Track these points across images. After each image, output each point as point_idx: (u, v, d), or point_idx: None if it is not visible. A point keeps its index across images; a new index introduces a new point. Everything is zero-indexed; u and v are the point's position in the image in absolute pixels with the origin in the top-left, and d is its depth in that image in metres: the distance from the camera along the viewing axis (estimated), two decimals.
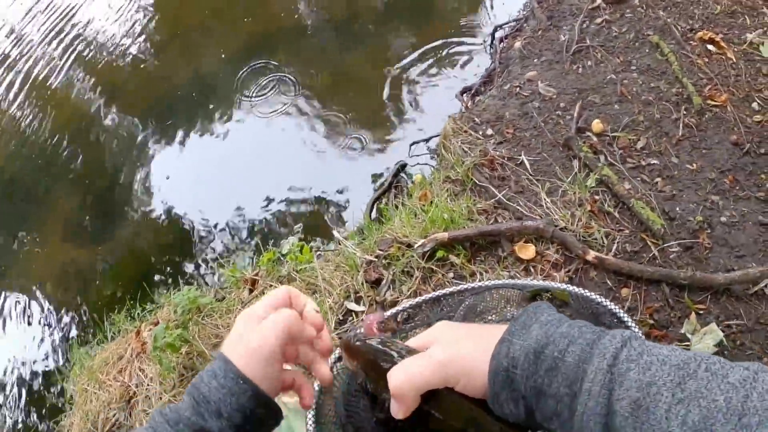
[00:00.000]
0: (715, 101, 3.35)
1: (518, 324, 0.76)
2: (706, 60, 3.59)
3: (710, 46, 3.67)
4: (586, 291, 1.66)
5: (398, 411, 0.79)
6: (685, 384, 0.61)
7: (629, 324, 1.54)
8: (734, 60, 3.57)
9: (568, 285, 1.69)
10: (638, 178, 3.05)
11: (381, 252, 2.87)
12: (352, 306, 2.73)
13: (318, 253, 3.39)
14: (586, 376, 0.67)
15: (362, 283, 2.78)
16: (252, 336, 0.85)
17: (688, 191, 2.98)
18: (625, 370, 0.65)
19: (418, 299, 1.59)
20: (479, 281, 2.44)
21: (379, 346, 0.85)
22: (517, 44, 4.17)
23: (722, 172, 3.06)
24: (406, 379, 0.77)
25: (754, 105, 3.33)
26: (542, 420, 0.72)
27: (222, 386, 0.81)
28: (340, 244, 3.20)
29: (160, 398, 2.85)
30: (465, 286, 1.81)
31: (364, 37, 5.21)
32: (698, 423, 0.58)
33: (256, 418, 0.82)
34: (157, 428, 0.80)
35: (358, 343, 0.87)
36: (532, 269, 2.69)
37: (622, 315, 1.58)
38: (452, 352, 0.79)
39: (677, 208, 2.89)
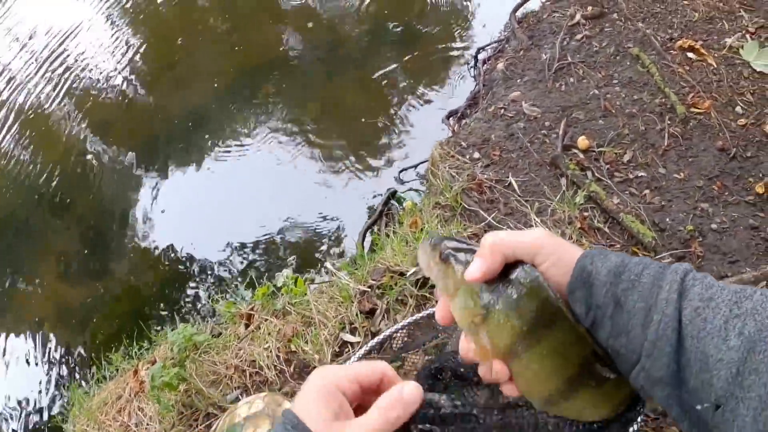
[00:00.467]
0: (699, 108, 3.37)
1: (595, 251, 0.79)
2: (687, 68, 3.61)
3: (690, 54, 3.70)
4: None
5: (477, 268, 0.78)
6: (742, 303, 0.67)
7: None
8: (715, 66, 3.60)
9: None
10: (626, 192, 3.06)
11: (374, 282, 2.87)
12: (348, 337, 2.72)
13: (313, 284, 3.39)
14: (661, 290, 0.71)
15: (357, 314, 2.77)
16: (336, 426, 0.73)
17: (677, 201, 2.99)
18: (690, 286, 0.71)
19: (409, 319, 1.58)
20: None
21: (460, 243, 0.85)
22: (500, 65, 4.20)
23: (710, 178, 3.08)
24: (499, 238, 0.79)
25: (738, 109, 3.36)
26: (607, 336, 0.75)
27: None
28: (333, 275, 3.20)
29: None
30: None
31: (351, 65, 5.25)
32: (754, 334, 0.63)
33: None
34: None
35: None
36: None
37: None
38: (550, 236, 0.81)
39: (667, 219, 2.90)
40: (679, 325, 0.69)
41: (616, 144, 3.30)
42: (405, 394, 0.76)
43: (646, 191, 3.06)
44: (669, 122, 3.34)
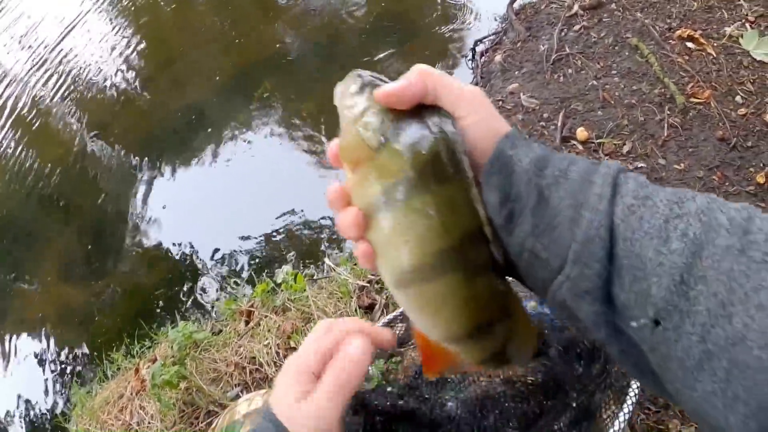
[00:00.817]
0: (699, 98, 3.35)
1: (519, 134, 0.66)
2: (687, 58, 3.59)
3: (689, 44, 3.68)
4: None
5: (393, 85, 0.66)
6: (684, 203, 0.56)
7: None
8: (714, 55, 3.58)
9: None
10: None
11: (373, 277, 2.86)
12: None
13: (313, 280, 3.38)
14: (593, 185, 0.59)
15: (356, 309, 2.77)
16: (309, 408, 0.74)
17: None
18: (625, 181, 0.60)
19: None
20: None
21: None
22: (498, 57, 4.18)
23: (710, 169, 3.06)
24: (431, 70, 0.67)
25: (738, 98, 3.34)
26: (526, 235, 0.61)
27: None
28: (332, 271, 3.20)
29: None
30: None
31: (349, 60, 5.23)
32: (700, 236, 0.53)
33: None
34: None
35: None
36: None
37: None
38: (483, 96, 0.69)
39: None
40: (611, 228, 0.57)
41: (616, 135, 3.29)
42: (350, 353, 0.75)
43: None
44: (668, 112, 3.32)
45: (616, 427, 1.33)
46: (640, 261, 0.55)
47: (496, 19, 4.86)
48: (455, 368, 0.73)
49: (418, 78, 0.66)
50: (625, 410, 1.34)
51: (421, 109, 0.66)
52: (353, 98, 0.70)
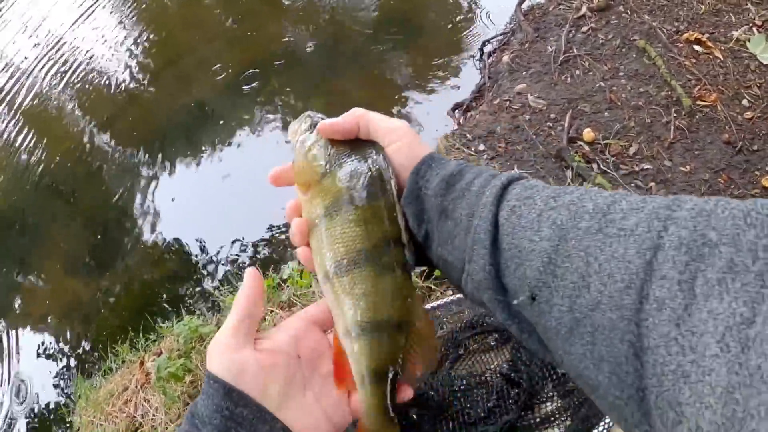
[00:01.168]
0: (705, 101, 3.36)
1: (438, 157, 0.81)
2: (694, 61, 3.60)
3: (697, 47, 3.68)
4: None
5: (331, 120, 0.85)
6: (559, 197, 0.66)
7: None
8: (722, 58, 3.59)
9: None
10: (632, 184, 3.06)
11: None
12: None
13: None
14: (483, 196, 0.72)
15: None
16: (217, 346, 0.80)
17: (683, 194, 2.96)
18: (512, 189, 0.72)
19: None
20: None
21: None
22: (506, 58, 4.18)
23: (716, 172, 3.07)
24: (364, 111, 0.85)
25: (744, 102, 3.35)
26: (436, 246, 0.77)
27: (203, 392, 0.76)
28: None
29: (166, 428, 2.85)
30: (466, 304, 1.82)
31: (356, 58, 5.23)
32: (566, 222, 0.63)
33: (243, 420, 0.74)
34: None
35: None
36: None
37: None
38: (409, 128, 0.85)
39: None
40: (495, 227, 0.69)
41: (622, 136, 3.30)
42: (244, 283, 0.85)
43: (652, 184, 3.06)
44: (675, 115, 3.33)
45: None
46: (518, 250, 0.66)
47: (503, 20, 4.86)
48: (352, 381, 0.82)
49: (351, 117, 0.84)
50: None
51: (359, 143, 0.84)
52: (304, 134, 0.90)
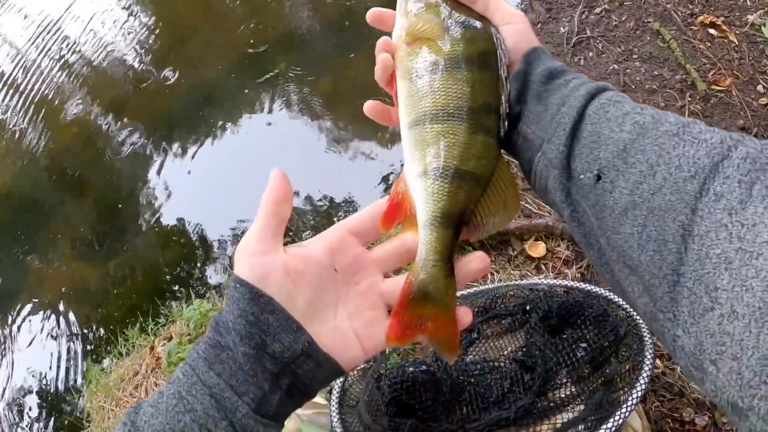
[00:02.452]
0: (720, 86, 3.32)
1: (547, 52, 0.88)
2: (709, 44, 3.56)
3: (712, 30, 3.63)
4: (599, 287, 1.65)
5: None
6: (646, 108, 0.73)
7: (639, 321, 1.53)
8: (737, 43, 3.54)
9: (580, 282, 1.68)
10: None
11: None
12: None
13: None
14: (577, 91, 0.78)
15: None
16: (245, 244, 0.79)
17: None
18: (606, 92, 0.78)
19: None
20: (490, 282, 2.43)
21: None
22: None
23: None
24: None
25: (759, 88, 3.30)
26: (524, 124, 0.83)
27: (229, 298, 0.74)
28: None
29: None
30: (478, 289, 1.81)
31: (362, 40, 5.20)
32: (648, 123, 0.70)
33: (268, 327, 0.71)
34: (188, 357, 0.74)
35: None
36: (543, 267, 2.66)
37: (633, 313, 1.57)
38: (525, 21, 0.90)
39: None
40: (580, 117, 0.76)
41: None
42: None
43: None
44: (689, 99, 3.29)
45: (631, 401, 1.35)
46: (598, 137, 0.73)
47: (515, 0, 4.81)
48: (410, 224, 0.81)
49: None
50: (640, 383, 1.36)
51: (477, 15, 0.88)
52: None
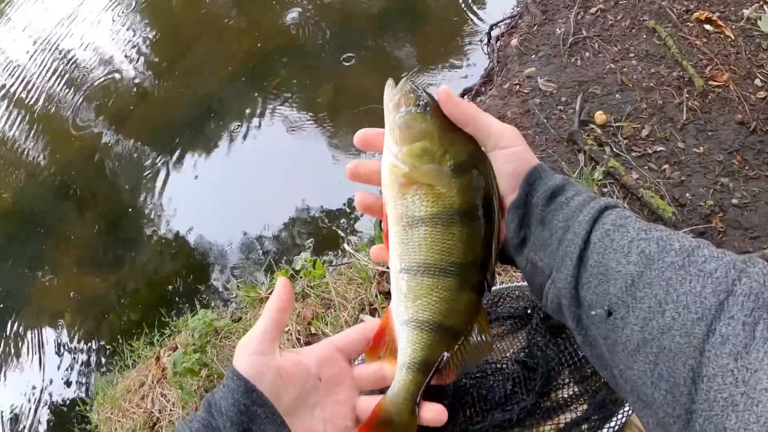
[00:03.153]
0: (717, 81, 3.32)
1: (547, 168, 0.87)
2: (705, 40, 3.56)
3: (707, 26, 3.64)
4: None
5: (449, 97, 0.85)
6: (650, 231, 0.73)
7: None
8: (733, 38, 3.54)
9: None
10: (645, 167, 3.03)
11: None
12: (367, 318, 2.72)
13: (331, 267, 3.39)
14: (581, 214, 0.79)
15: (376, 295, 2.77)
16: (248, 343, 0.86)
17: (697, 175, 2.96)
18: (608, 214, 0.78)
19: None
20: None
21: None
22: (514, 41, 4.15)
23: (730, 153, 3.04)
24: (477, 110, 0.87)
25: (757, 81, 3.31)
26: (529, 251, 0.83)
27: (224, 385, 0.83)
28: (351, 257, 3.20)
29: None
30: None
31: (362, 48, 5.21)
32: (654, 253, 0.70)
33: (255, 417, 0.81)
34: (178, 429, 0.82)
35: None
36: None
37: None
38: (518, 135, 0.89)
39: (687, 194, 2.87)
40: (585, 244, 0.76)
41: (634, 118, 3.26)
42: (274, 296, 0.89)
43: (666, 166, 3.03)
44: (687, 95, 3.29)
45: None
46: (605, 269, 0.73)
47: (511, 3, 4.82)
48: (391, 358, 0.88)
49: (468, 106, 0.87)
50: None
51: (473, 144, 0.86)
52: (411, 111, 0.86)
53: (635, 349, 0.68)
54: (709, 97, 3.27)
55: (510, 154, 0.86)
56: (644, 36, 3.69)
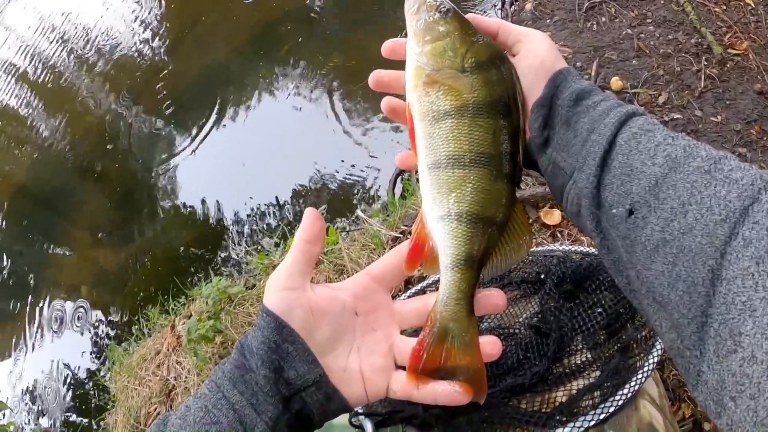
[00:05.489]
0: (736, 50, 3.27)
1: (574, 72, 0.87)
2: (724, 7, 3.50)
3: None
4: None
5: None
6: (677, 138, 0.73)
7: None
8: (753, 5, 3.48)
9: (595, 249, 1.67)
10: None
11: (405, 228, 2.86)
12: None
13: (344, 233, 3.39)
14: (607, 117, 0.79)
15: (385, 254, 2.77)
16: (279, 272, 0.83)
17: (714, 144, 2.92)
18: (636, 119, 0.78)
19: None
20: None
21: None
22: (528, 5, 4.09)
23: (748, 122, 3.00)
24: (504, 22, 0.92)
25: None
26: (552, 150, 0.84)
27: (255, 324, 0.80)
28: (365, 222, 3.19)
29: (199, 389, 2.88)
30: None
31: (374, 13, 5.16)
32: (680, 157, 0.70)
33: (287, 356, 0.78)
34: (213, 375, 0.81)
35: None
36: (558, 234, 2.66)
37: None
38: (550, 45, 0.89)
39: None
40: (610, 146, 0.76)
41: (651, 85, 3.22)
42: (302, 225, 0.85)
43: (682, 134, 3.00)
44: (705, 63, 3.25)
45: (647, 366, 1.35)
46: (630, 169, 0.73)
47: None
48: (432, 265, 0.83)
49: (495, 20, 0.92)
50: (657, 349, 1.36)
51: (494, 49, 0.87)
52: (436, 16, 0.88)
53: (654, 249, 0.68)
54: (728, 66, 3.22)
55: (536, 54, 0.86)
56: (662, 1, 3.63)
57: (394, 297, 0.90)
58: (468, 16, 0.89)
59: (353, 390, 0.81)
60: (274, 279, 0.82)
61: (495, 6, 4.54)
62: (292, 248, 0.84)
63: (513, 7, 4.34)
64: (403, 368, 0.81)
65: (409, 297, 1.63)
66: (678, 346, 0.66)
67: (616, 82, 3.23)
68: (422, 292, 1.66)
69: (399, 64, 0.91)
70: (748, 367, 0.55)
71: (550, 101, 0.84)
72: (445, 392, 0.79)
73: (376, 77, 0.92)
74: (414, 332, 0.88)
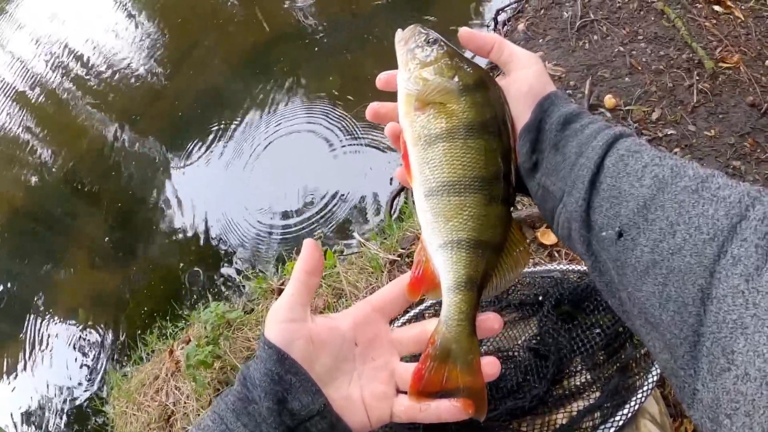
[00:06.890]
0: (728, 63, 3.29)
1: (562, 96, 0.87)
2: (714, 22, 3.53)
3: (717, 7, 3.60)
4: None
5: (470, 31, 0.91)
6: (664, 158, 0.73)
7: None
8: (743, 19, 3.51)
9: None
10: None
11: (403, 250, 2.86)
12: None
13: (341, 256, 3.39)
14: (594, 140, 0.79)
15: (387, 284, 2.77)
16: (279, 304, 0.84)
17: (709, 159, 2.93)
18: (623, 141, 0.79)
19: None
20: None
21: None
22: (521, 26, 4.12)
23: (741, 135, 3.01)
24: (502, 39, 0.92)
25: None
26: (542, 175, 0.84)
27: (256, 357, 0.81)
28: (362, 245, 3.20)
29: (198, 414, 2.87)
30: None
31: (367, 35, 5.18)
32: (667, 177, 0.70)
33: (290, 387, 0.78)
34: (216, 407, 0.81)
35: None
36: (556, 254, 2.66)
37: None
38: (541, 68, 0.90)
39: None
40: (598, 169, 0.77)
41: (644, 102, 3.24)
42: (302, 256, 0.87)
43: (677, 149, 3.01)
44: (697, 78, 3.27)
45: (647, 386, 1.35)
46: (618, 192, 0.74)
47: None
48: (435, 291, 0.85)
49: (490, 37, 0.91)
50: (656, 368, 1.37)
51: (483, 72, 0.89)
52: (424, 47, 0.91)
53: (644, 270, 0.68)
54: (720, 79, 3.24)
55: (525, 80, 0.87)
56: (653, 18, 3.65)
57: (390, 322, 0.91)
58: (463, 29, 0.91)
59: (356, 417, 0.82)
60: (275, 311, 0.82)
61: (488, 27, 4.58)
62: (292, 280, 0.85)
63: (506, 27, 4.37)
64: (405, 393, 0.83)
65: (406, 321, 1.63)
66: (672, 366, 0.66)
67: (609, 100, 3.24)
68: (420, 315, 1.67)
69: (395, 96, 0.92)
70: (742, 384, 0.56)
71: (537, 126, 0.84)
72: (448, 409, 0.81)
73: (373, 109, 0.94)
74: (412, 358, 0.89)
